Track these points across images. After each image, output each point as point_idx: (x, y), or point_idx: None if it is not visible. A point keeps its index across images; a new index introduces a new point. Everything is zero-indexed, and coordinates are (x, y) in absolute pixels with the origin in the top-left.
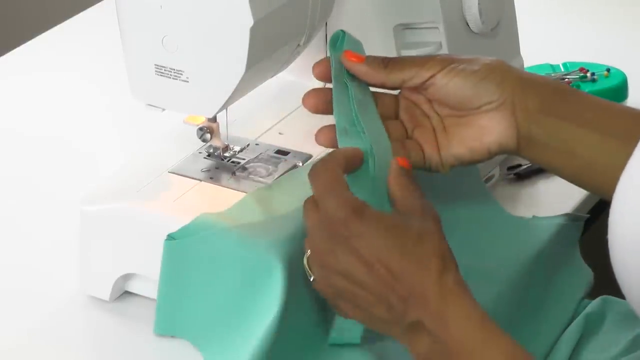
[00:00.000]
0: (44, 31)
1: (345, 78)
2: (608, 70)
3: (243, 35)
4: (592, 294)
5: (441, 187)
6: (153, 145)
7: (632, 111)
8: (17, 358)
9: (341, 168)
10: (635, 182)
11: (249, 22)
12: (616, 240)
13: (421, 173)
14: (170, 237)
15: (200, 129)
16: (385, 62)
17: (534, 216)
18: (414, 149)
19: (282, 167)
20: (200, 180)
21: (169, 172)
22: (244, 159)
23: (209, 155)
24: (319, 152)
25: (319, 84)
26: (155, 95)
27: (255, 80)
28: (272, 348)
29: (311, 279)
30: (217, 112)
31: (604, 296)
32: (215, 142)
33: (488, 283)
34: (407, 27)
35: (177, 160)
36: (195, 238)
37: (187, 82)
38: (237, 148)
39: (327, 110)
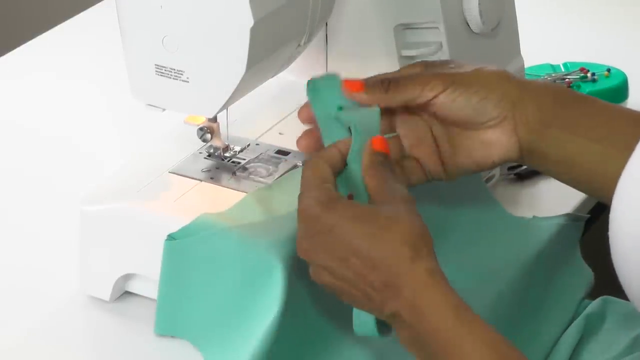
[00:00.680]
0: (44, 31)
1: (335, 110)
2: (608, 70)
3: (243, 36)
4: (592, 295)
5: (442, 188)
6: (153, 145)
7: (633, 115)
8: (17, 358)
9: (326, 163)
10: (636, 178)
11: (249, 22)
12: (617, 236)
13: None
14: (171, 237)
15: (201, 129)
16: (386, 86)
17: (534, 216)
18: (413, 169)
19: (283, 167)
20: (201, 181)
21: (169, 172)
22: (244, 159)
23: (209, 156)
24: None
25: None
26: (155, 95)
27: (255, 81)
28: (272, 348)
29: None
30: (218, 112)
31: (605, 297)
32: (216, 142)
33: (488, 283)
34: (407, 27)
35: (178, 160)
36: (195, 238)
37: (188, 82)
38: (237, 148)
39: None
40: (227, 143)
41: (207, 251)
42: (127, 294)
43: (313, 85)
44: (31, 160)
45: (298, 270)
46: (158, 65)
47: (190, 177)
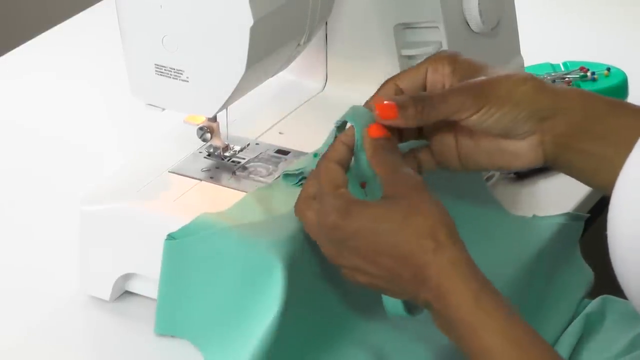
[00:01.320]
0: (44, 31)
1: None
2: (608, 69)
3: (243, 35)
4: (592, 294)
5: (442, 187)
6: (153, 145)
7: None
8: (17, 358)
9: (336, 163)
10: (634, 178)
11: (249, 21)
12: (615, 236)
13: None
14: (171, 237)
15: (201, 128)
16: (420, 109)
17: (534, 215)
18: (425, 155)
19: (283, 166)
20: (201, 180)
21: (169, 171)
22: (244, 159)
23: (209, 155)
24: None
25: (318, 83)
26: (155, 94)
27: (255, 80)
28: (272, 348)
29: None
30: (217, 112)
31: (604, 296)
32: (216, 142)
33: None
34: (407, 26)
35: (177, 159)
36: (195, 238)
37: (187, 81)
38: (237, 148)
39: None
40: (227, 142)
41: (207, 251)
42: (127, 293)
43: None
44: (31, 160)
45: (298, 270)
46: (158, 65)
47: (190, 177)
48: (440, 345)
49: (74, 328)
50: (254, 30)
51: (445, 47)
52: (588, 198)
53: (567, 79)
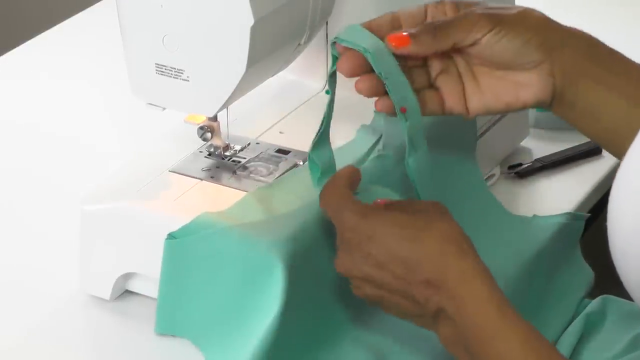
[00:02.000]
0: (44, 30)
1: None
2: None
3: (243, 35)
4: (592, 294)
5: (442, 186)
6: (153, 144)
7: None
8: (17, 357)
9: (345, 184)
10: (634, 169)
11: (250, 21)
12: (615, 228)
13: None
14: (171, 236)
15: (201, 128)
16: (432, 33)
17: (534, 215)
18: (432, 98)
19: (283, 166)
20: (201, 180)
21: (169, 171)
22: (244, 158)
23: (209, 155)
24: None
25: (318, 82)
26: (155, 94)
27: (255, 80)
28: (273, 347)
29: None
30: (218, 111)
31: (605, 296)
32: (216, 141)
33: None
34: None
35: (178, 159)
36: (196, 237)
37: (188, 81)
38: (237, 147)
39: (362, 72)
40: (227, 142)
41: (207, 250)
42: (128, 293)
43: (339, 40)
44: (31, 160)
45: (298, 270)
46: (158, 64)
47: (190, 176)
48: (440, 345)
49: (74, 327)
50: (254, 30)
51: None
52: (588, 198)
53: None
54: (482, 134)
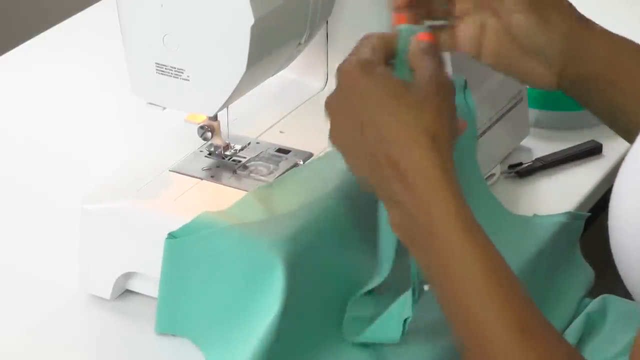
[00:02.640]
0: (44, 30)
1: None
2: None
3: (244, 34)
4: (593, 293)
5: None
6: (154, 144)
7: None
8: (18, 357)
9: (381, 40)
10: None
11: (250, 20)
12: (616, 225)
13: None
14: (171, 236)
15: (201, 127)
16: None
17: (535, 215)
18: (445, 36)
19: (283, 165)
20: (201, 179)
21: (169, 170)
22: (244, 158)
23: (209, 154)
24: (319, 150)
25: (319, 82)
26: (156, 93)
27: (256, 79)
28: (273, 347)
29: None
30: (218, 111)
31: (605, 295)
32: (216, 141)
33: None
34: None
35: (178, 158)
36: (196, 236)
37: (188, 80)
38: (238, 146)
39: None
40: (227, 141)
41: (207, 250)
42: (128, 292)
43: None
44: (31, 159)
45: (299, 269)
46: (159, 64)
47: (190, 176)
48: (440, 345)
49: (75, 327)
50: (254, 29)
51: None
52: (589, 197)
53: None
54: (482, 133)
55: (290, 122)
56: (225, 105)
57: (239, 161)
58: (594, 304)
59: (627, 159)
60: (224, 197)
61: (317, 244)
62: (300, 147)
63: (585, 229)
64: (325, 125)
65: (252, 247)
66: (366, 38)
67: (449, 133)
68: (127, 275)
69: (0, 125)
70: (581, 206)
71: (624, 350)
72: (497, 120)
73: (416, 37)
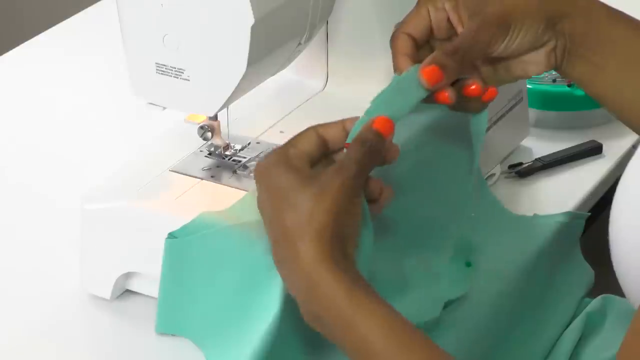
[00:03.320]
0: (44, 30)
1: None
2: None
3: (244, 34)
4: (593, 293)
5: (441, 186)
6: (154, 143)
7: None
8: (18, 357)
9: (318, 137)
10: (635, 183)
11: (250, 20)
12: (617, 239)
13: (423, 172)
14: (171, 236)
15: (201, 127)
16: (458, 60)
17: (535, 214)
18: None
19: None
20: (201, 179)
21: (170, 170)
22: (245, 158)
23: (210, 154)
24: None
25: (319, 82)
26: (156, 93)
27: (256, 79)
28: (273, 347)
29: None
30: (218, 111)
31: (605, 295)
32: (216, 141)
33: (489, 281)
34: None
35: (178, 158)
36: (196, 236)
37: (188, 80)
38: (238, 146)
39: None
40: (227, 141)
41: (207, 249)
42: (128, 292)
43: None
44: (31, 159)
45: None
46: (159, 64)
47: (190, 176)
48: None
49: (75, 327)
50: (254, 29)
51: None
52: (589, 197)
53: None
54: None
55: (290, 122)
56: (226, 105)
57: (239, 161)
58: (594, 304)
59: (625, 173)
60: (224, 197)
61: None
62: None
63: (585, 229)
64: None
65: (252, 247)
66: (304, 130)
67: (338, 227)
68: (127, 275)
69: (1, 125)
70: (581, 206)
71: None
72: (497, 120)
73: (372, 121)
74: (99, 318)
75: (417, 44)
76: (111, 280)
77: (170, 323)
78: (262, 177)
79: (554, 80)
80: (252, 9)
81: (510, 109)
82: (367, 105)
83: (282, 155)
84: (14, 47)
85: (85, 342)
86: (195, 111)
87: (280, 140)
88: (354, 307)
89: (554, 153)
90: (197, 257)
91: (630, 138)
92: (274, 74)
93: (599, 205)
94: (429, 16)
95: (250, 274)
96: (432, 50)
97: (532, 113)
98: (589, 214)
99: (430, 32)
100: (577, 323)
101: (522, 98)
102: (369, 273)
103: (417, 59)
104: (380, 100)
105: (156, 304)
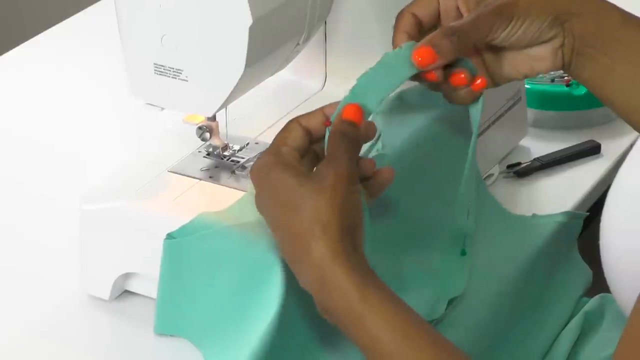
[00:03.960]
0: (43, 30)
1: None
2: None
3: (242, 34)
4: (590, 292)
5: (440, 186)
6: (152, 144)
7: None
8: (17, 357)
9: (301, 128)
10: (625, 190)
11: (248, 21)
12: (607, 246)
13: (419, 173)
14: (170, 236)
15: (200, 127)
16: (454, 41)
17: (533, 214)
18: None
19: None
20: (200, 180)
21: (168, 171)
22: (243, 158)
23: (208, 154)
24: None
25: (317, 82)
26: (154, 94)
27: (254, 79)
28: (272, 347)
29: None
30: (217, 111)
31: (603, 294)
32: (215, 141)
33: (488, 281)
34: None
35: (177, 159)
36: (194, 237)
37: (187, 81)
38: (236, 147)
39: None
40: (226, 142)
41: (206, 250)
42: (127, 293)
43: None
44: (30, 159)
45: None
46: (157, 64)
47: (189, 176)
48: None
49: (74, 327)
50: (252, 30)
51: None
52: (587, 197)
53: (566, 77)
54: (481, 133)
55: None
56: (224, 105)
57: (238, 161)
58: (592, 303)
59: (616, 179)
60: (222, 197)
61: None
62: None
63: (583, 229)
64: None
65: (251, 248)
66: (287, 124)
67: (346, 218)
68: (126, 276)
69: (1, 125)
70: (580, 206)
71: None
72: (496, 120)
73: (342, 111)
74: (97, 319)
75: (422, 26)
76: (110, 280)
77: (168, 324)
78: (259, 180)
79: (553, 80)
80: (250, 10)
81: (509, 108)
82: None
83: (275, 156)
84: (13, 47)
85: (84, 342)
86: (194, 112)
87: None
88: (364, 302)
89: (552, 153)
90: (196, 257)
91: (629, 138)
92: (272, 74)
93: (597, 205)
94: (438, 1)
95: (249, 274)
96: None
97: (531, 113)
98: (587, 213)
99: (438, 18)
100: (575, 322)
101: (520, 98)
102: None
103: (416, 39)
104: (366, 78)
105: (155, 304)
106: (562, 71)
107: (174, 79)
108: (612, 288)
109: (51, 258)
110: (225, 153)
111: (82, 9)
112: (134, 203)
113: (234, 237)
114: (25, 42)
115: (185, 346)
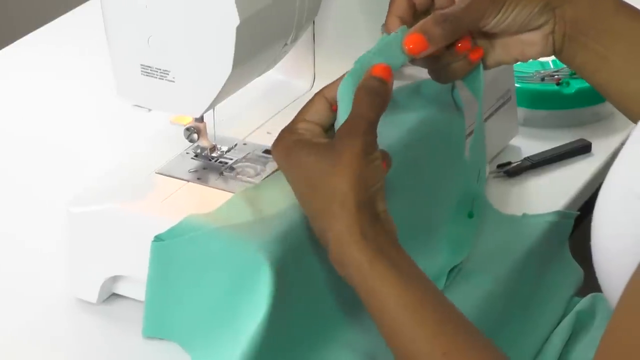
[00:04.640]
0: (29, 31)
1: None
2: None
3: (229, 35)
4: (582, 292)
5: (432, 186)
6: (140, 146)
7: None
8: None
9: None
10: (616, 189)
11: (235, 21)
12: (598, 248)
13: (411, 170)
14: (158, 239)
15: (187, 129)
16: (446, 28)
17: (524, 214)
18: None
19: (270, 166)
20: (188, 181)
21: (156, 173)
22: (231, 159)
23: (196, 156)
24: None
25: (306, 82)
26: (141, 95)
27: (242, 80)
28: (261, 349)
29: None
30: (204, 112)
31: (595, 293)
32: (203, 143)
33: (479, 281)
34: None
35: (164, 161)
36: (183, 239)
37: (174, 82)
38: (224, 148)
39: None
40: (214, 143)
41: (194, 252)
42: (115, 295)
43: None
44: (17, 162)
45: (287, 270)
46: (144, 65)
47: (177, 178)
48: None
49: (61, 331)
50: (240, 30)
51: None
52: (578, 196)
53: (556, 76)
54: (471, 132)
55: (277, 123)
56: (212, 106)
57: (226, 163)
58: (583, 303)
59: (606, 180)
60: (211, 199)
61: (305, 245)
62: None
63: (574, 228)
64: None
65: (240, 249)
66: (312, 98)
67: (362, 191)
68: (114, 279)
69: None
70: (570, 205)
71: None
72: (486, 119)
73: (371, 70)
74: (85, 322)
75: (416, 9)
76: (98, 283)
77: (157, 327)
78: (279, 160)
79: (543, 79)
80: (238, 10)
81: (499, 107)
82: None
83: (291, 134)
84: (0, 48)
85: (71, 346)
86: (181, 113)
87: (268, 141)
88: (375, 276)
89: (542, 152)
90: (184, 259)
91: (619, 136)
92: (260, 75)
93: (588, 204)
94: None
95: (238, 275)
96: None
97: (521, 112)
98: (578, 213)
99: (432, 1)
100: (567, 322)
101: (510, 97)
102: None
103: (410, 23)
104: (364, 60)
105: (143, 307)
106: (552, 70)
107: (161, 80)
108: (603, 288)
109: (38, 261)
110: (214, 154)
111: (68, 10)
112: (121, 205)
113: (223, 239)
114: (13, 43)
115: (174, 349)
